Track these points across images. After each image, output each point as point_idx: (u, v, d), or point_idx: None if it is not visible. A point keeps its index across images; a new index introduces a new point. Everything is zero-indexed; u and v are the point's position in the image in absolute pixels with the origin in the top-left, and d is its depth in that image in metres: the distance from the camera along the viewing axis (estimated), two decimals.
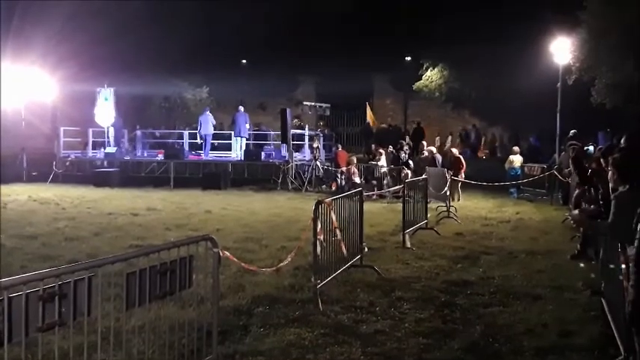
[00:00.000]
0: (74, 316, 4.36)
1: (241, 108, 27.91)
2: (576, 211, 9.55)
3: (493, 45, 29.07)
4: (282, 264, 9.01)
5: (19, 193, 21.69)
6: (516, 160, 22.92)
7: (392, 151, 24.66)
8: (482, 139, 38.71)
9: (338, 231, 9.09)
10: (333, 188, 23.79)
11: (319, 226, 8.38)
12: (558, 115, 24.11)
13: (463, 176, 20.55)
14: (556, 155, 22.43)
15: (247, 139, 28.63)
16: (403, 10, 37.70)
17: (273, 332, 7.12)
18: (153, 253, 5.30)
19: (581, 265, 10.68)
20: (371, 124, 30.65)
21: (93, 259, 5.14)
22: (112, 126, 29.30)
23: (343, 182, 23.34)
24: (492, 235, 14.38)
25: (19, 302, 3.91)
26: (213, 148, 29.63)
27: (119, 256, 5.11)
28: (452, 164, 20.72)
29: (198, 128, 28.34)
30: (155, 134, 34.42)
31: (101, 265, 4.79)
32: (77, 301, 4.34)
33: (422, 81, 37.67)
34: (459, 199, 20.18)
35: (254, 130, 30.71)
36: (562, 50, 24.47)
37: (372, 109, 40.14)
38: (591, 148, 21.72)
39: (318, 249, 8.35)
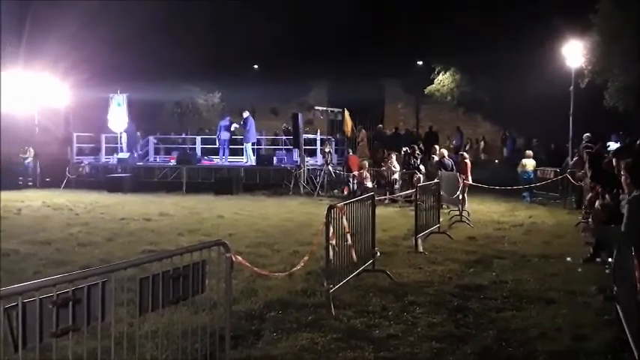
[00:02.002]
0: (88, 321, 4.37)
1: (245, 113, 27.89)
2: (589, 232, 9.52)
3: (505, 48, 29.03)
4: (294, 269, 9.02)
5: (32, 199, 21.84)
6: (529, 163, 22.82)
7: (404, 154, 24.61)
8: (468, 144, 38.58)
9: (349, 236, 9.08)
10: (345, 193, 23.80)
11: (331, 230, 8.38)
12: (571, 118, 24.03)
13: (470, 180, 20.20)
14: (569, 158, 22.34)
15: (254, 145, 28.73)
16: (414, 14, 37.63)
17: (285, 337, 7.12)
18: (166, 258, 5.32)
19: (606, 269, 10.56)
20: (347, 132, 30.01)
21: (106, 265, 5.16)
22: (124, 131, 29.49)
23: (355, 187, 23.34)
24: (505, 239, 14.33)
25: (33, 308, 3.93)
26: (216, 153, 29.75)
27: (132, 262, 5.12)
28: (458, 168, 20.56)
29: (218, 133, 28.41)
30: (167, 139, 34.53)
31: (114, 270, 4.81)
32: (91, 306, 4.36)
33: (433, 85, 37.65)
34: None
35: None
36: (574, 53, 24.41)
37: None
38: (612, 144, 21.60)
39: (331, 254, 8.34)
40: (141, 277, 4.96)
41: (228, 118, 28.56)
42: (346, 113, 29.72)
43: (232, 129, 28.04)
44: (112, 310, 4.67)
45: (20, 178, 28.17)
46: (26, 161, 28.68)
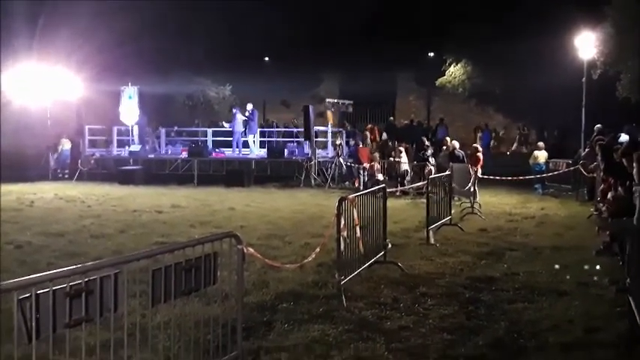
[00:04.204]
0: (101, 312, 4.40)
1: (249, 106, 27.95)
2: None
3: (517, 40, 28.86)
4: (305, 260, 9.03)
5: (45, 191, 21.94)
6: (541, 155, 22.73)
7: (415, 146, 24.58)
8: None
9: (358, 229, 9.09)
10: (356, 185, 23.78)
11: (342, 222, 8.39)
12: (584, 109, 23.91)
13: (480, 172, 19.83)
14: (581, 150, 22.24)
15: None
16: (426, 6, 37.50)
17: (297, 328, 7.14)
18: (178, 250, 5.33)
19: (619, 261, 10.49)
20: (330, 122, 29.64)
21: (118, 256, 5.18)
22: (136, 124, 29.56)
23: (366, 179, 23.32)
24: (517, 231, 14.29)
25: (47, 298, 3.96)
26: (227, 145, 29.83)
27: (144, 253, 5.14)
28: (470, 159, 20.36)
29: (232, 123, 28.50)
30: (179, 132, 34.59)
31: (127, 262, 4.84)
32: (103, 297, 4.38)
33: (445, 77, 37.45)
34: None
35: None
36: (587, 45, 24.27)
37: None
38: (624, 136, 21.47)
39: (342, 245, 8.36)
40: (153, 269, 4.98)
41: (237, 110, 28.59)
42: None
43: (240, 121, 28.08)
44: (124, 301, 4.70)
45: (59, 170, 28.48)
46: (64, 151, 28.94)
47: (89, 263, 4.58)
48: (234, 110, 28.95)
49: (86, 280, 4.26)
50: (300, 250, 11.39)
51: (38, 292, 3.91)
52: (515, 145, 38.48)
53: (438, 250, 11.88)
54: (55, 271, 4.25)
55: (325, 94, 38.83)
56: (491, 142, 38.53)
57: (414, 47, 38.97)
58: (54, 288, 4.02)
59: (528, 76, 30.27)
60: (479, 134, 37.66)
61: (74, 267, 4.37)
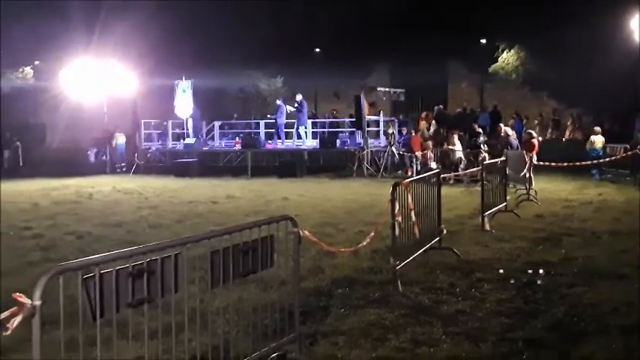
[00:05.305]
0: (162, 293, 4.49)
1: (299, 97, 28.03)
2: None
3: (571, 24, 28.32)
4: (360, 245, 9.06)
5: (103, 185, 22.42)
6: (597, 140, 22.31)
7: (468, 134, 24.39)
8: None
9: (413, 213, 9.05)
10: (409, 174, 23.68)
11: (397, 207, 8.37)
12: None
13: (535, 158, 19.43)
14: (638, 135, 21.76)
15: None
16: None
17: (353, 313, 7.17)
18: (235, 232, 5.39)
19: None
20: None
21: (178, 238, 5.28)
22: (190, 117, 29.96)
23: (419, 167, 23.21)
24: (574, 216, 14.07)
25: (110, 278, 4.05)
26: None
27: (203, 235, 5.22)
28: (524, 145, 20.04)
29: (276, 116, 28.67)
30: (232, 124, 34.88)
31: (186, 243, 4.92)
32: (164, 278, 4.47)
33: (498, 63, 37.02)
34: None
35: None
36: None
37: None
38: None
39: (397, 231, 8.34)
40: (212, 251, 5.04)
41: (281, 102, 28.71)
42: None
43: (288, 112, 28.19)
44: (184, 282, 4.78)
45: (118, 165, 29.16)
46: (118, 145, 29.59)
47: (151, 244, 4.69)
48: (278, 102, 29.08)
49: (147, 260, 4.35)
50: (354, 237, 11.39)
51: (102, 271, 4.00)
52: (549, 132, 37.65)
53: (494, 236, 11.77)
54: (116, 251, 4.36)
55: (376, 84, 38.69)
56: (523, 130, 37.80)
57: (465, 34, 38.47)
58: (117, 268, 4.12)
59: (583, 61, 29.68)
60: (510, 122, 36.94)
61: (135, 247, 4.47)
